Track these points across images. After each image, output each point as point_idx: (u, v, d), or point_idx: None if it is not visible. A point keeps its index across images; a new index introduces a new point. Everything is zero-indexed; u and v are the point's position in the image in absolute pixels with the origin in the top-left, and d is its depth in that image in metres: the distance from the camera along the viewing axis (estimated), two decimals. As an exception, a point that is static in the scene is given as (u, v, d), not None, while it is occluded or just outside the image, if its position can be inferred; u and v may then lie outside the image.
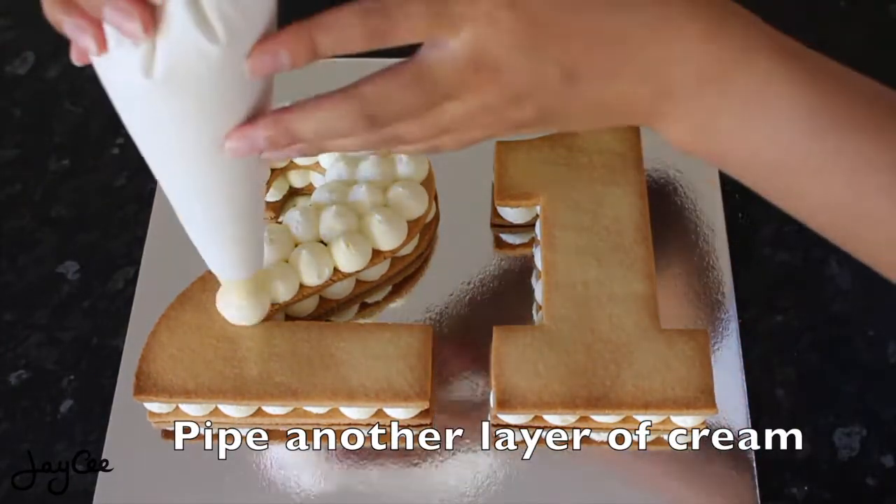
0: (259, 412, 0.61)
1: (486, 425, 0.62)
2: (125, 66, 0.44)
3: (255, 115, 0.47)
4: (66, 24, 0.43)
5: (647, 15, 0.45)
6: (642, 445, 0.61)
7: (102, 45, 0.43)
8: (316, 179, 0.69)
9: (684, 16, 0.45)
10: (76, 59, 0.46)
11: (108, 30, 0.43)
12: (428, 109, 0.45)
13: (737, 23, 0.46)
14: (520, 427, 0.61)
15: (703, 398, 0.59)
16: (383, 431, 0.61)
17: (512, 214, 0.68)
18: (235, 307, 0.60)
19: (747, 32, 0.46)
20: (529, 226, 0.68)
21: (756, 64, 0.45)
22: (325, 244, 0.64)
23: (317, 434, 0.61)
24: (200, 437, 0.62)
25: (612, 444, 0.61)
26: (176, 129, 0.47)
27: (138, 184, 0.73)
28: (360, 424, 0.61)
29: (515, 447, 0.61)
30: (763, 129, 0.46)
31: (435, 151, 0.49)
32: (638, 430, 0.61)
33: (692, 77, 0.45)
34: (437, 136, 0.47)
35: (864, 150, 0.45)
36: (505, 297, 0.66)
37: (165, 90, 0.44)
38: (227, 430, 0.62)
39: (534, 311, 0.66)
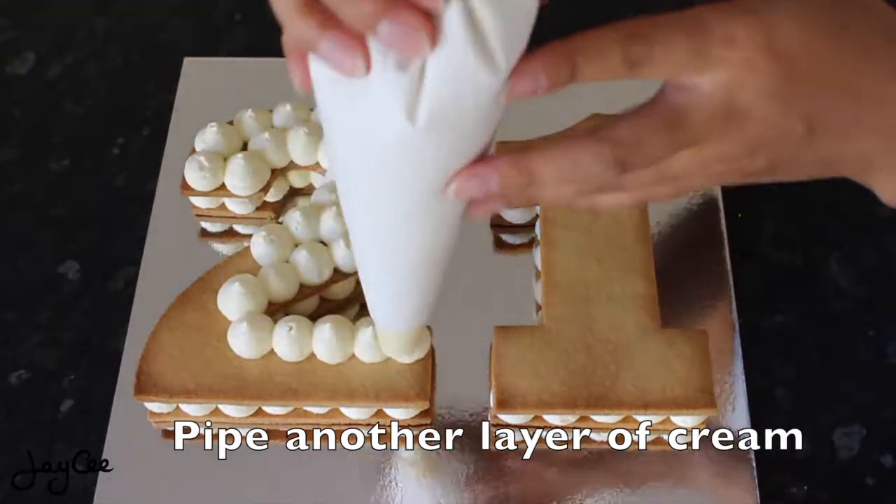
0: (259, 412, 0.61)
1: (486, 425, 0.62)
2: (383, 105, 0.38)
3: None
4: (326, 41, 0.39)
5: (891, 67, 0.44)
6: (642, 445, 0.61)
7: (369, 65, 0.38)
8: (316, 179, 0.69)
9: None
10: (301, 85, 0.41)
11: (373, 51, 0.37)
12: (669, 156, 0.43)
13: None
14: (520, 427, 0.61)
15: (703, 398, 0.59)
16: (383, 431, 0.61)
17: (512, 214, 0.68)
18: (394, 353, 0.58)
19: None
20: (529, 226, 0.68)
21: None
22: (326, 244, 0.64)
23: (317, 434, 0.62)
24: (200, 437, 0.62)
25: (612, 444, 0.61)
26: (405, 176, 0.42)
27: (138, 184, 0.73)
28: (360, 424, 0.61)
29: (515, 447, 0.61)
30: None
31: (649, 201, 0.47)
32: (638, 430, 0.60)
33: None
34: (658, 185, 0.45)
35: None
36: (505, 297, 0.66)
37: (424, 136, 0.39)
38: (227, 430, 0.62)
39: (534, 311, 0.66)
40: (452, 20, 0.37)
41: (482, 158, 0.43)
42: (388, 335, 0.56)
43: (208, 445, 0.61)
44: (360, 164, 0.42)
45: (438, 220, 0.45)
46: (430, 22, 0.37)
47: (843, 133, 0.44)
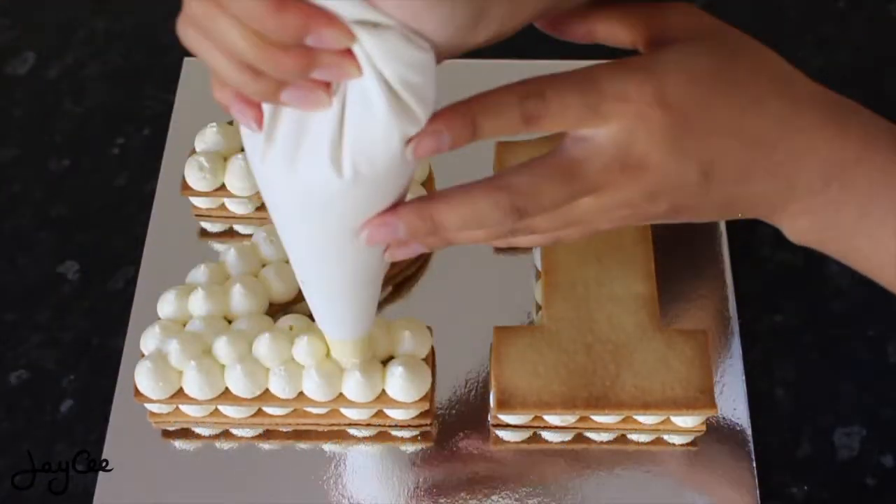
0: (259, 412, 0.61)
1: (486, 425, 0.62)
2: (313, 163, 0.43)
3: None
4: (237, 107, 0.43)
5: (779, 112, 0.46)
6: (642, 446, 0.61)
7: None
8: (316, 179, 0.69)
9: (811, 112, 0.46)
10: (258, 124, 0.44)
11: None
12: (569, 203, 0.46)
13: (857, 119, 0.47)
14: (520, 427, 0.61)
15: (703, 398, 0.59)
16: (383, 431, 0.62)
17: (512, 214, 0.68)
18: (345, 358, 0.59)
19: (867, 129, 0.47)
20: (529, 226, 0.68)
21: (876, 158, 0.46)
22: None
23: (317, 434, 0.62)
24: (200, 436, 0.62)
25: (612, 444, 0.61)
26: (329, 223, 0.46)
27: (138, 184, 0.73)
28: (360, 424, 0.61)
29: (515, 447, 0.61)
30: (885, 221, 0.47)
31: (556, 242, 0.49)
32: (638, 430, 0.61)
33: (816, 173, 0.46)
34: (564, 228, 0.47)
35: None
36: (505, 297, 0.66)
37: (351, 187, 0.43)
38: (227, 430, 0.62)
39: (534, 311, 0.66)
40: (373, 83, 0.41)
41: (391, 207, 0.46)
42: (335, 344, 0.58)
43: (208, 445, 0.61)
44: (291, 211, 0.46)
45: (363, 255, 0.48)
46: (328, 85, 0.41)
47: (738, 178, 0.46)
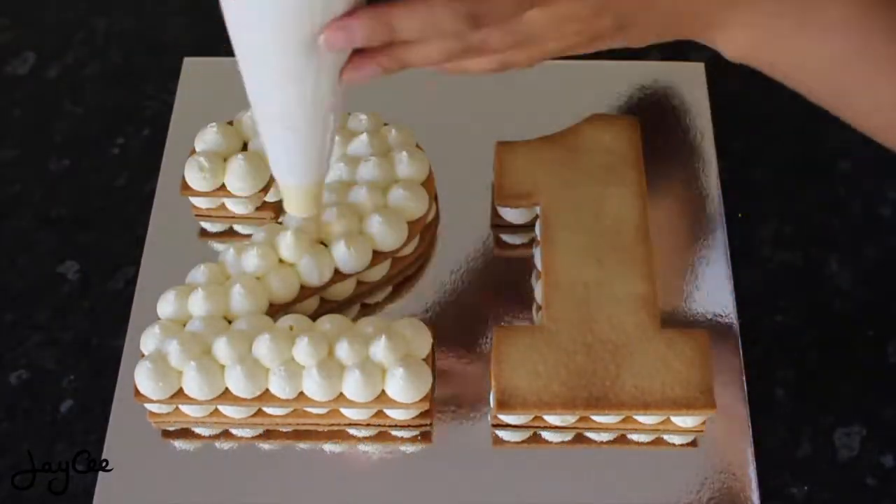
0: (259, 412, 0.61)
1: (486, 425, 0.62)
2: None
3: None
4: None
5: None
6: (642, 446, 0.61)
7: None
8: (316, 179, 0.69)
9: None
10: None
11: None
12: (519, 15, 0.47)
13: None
14: (520, 427, 0.61)
15: (703, 398, 0.59)
16: (383, 431, 0.62)
17: (512, 215, 0.68)
18: (296, 208, 0.59)
19: None
20: (529, 226, 0.68)
21: None
22: (326, 245, 0.64)
23: (317, 434, 0.62)
24: (200, 436, 0.62)
25: (612, 444, 0.61)
26: (280, 17, 0.47)
27: (138, 184, 0.73)
28: (360, 424, 0.61)
29: (515, 447, 0.61)
30: (816, 33, 0.49)
31: (506, 67, 0.50)
32: (638, 430, 0.61)
33: None
34: (515, 47, 0.49)
35: None
36: (505, 297, 0.66)
37: None
38: (227, 430, 0.62)
39: (534, 311, 0.66)
40: None
41: (350, 11, 0.47)
42: (289, 189, 0.58)
43: (208, 445, 0.61)
44: (249, 21, 0.48)
45: (316, 75, 0.49)
46: None
47: None
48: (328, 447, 0.62)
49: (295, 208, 0.59)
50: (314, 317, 0.62)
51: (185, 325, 0.61)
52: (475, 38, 0.48)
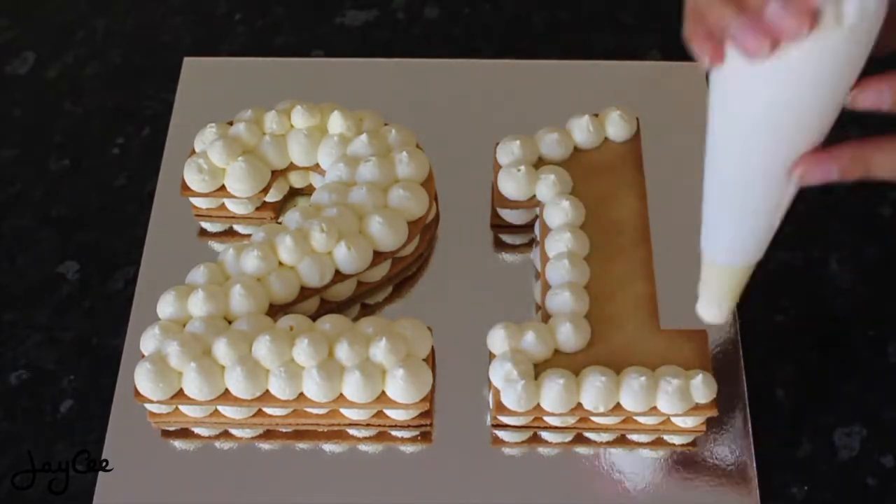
0: (259, 413, 0.61)
1: (486, 425, 0.62)
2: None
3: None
4: (739, 24, 0.42)
5: None
6: (642, 446, 0.61)
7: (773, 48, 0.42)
8: (316, 180, 0.69)
9: None
10: (712, 61, 0.45)
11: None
12: None
13: None
14: (520, 427, 0.61)
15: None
16: (383, 432, 0.62)
17: (511, 215, 0.68)
18: (709, 297, 0.56)
19: None
20: (529, 226, 0.68)
21: None
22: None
23: (317, 434, 0.62)
24: (200, 436, 0.62)
25: (612, 444, 0.61)
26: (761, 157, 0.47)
27: (138, 184, 0.73)
28: (360, 425, 0.61)
29: (515, 447, 0.61)
30: None
31: None
32: (638, 430, 0.61)
33: None
34: None
35: None
36: (505, 297, 0.66)
37: (852, 38, 0.42)
38: (226, 430, 0.62)
39: (534, 311, 0.66)
40: None
41: (824, 149, 0.46)
42: (722, 272, 0.54)
43: (208, 445, 0.61)
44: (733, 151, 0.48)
45: (785, 179, 0.48)
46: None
47: None
48: (328, 447, 0.62)
49: (717, 289, 0.55)
50: (314, 317, 0.62)
51: (184, 326, 0.61)
52: None
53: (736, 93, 0.46)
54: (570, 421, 0.60)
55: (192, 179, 0.67)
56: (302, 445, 0.62)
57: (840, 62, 0.43)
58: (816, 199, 0.72)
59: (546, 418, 0.60)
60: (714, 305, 0.56)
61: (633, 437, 0.61)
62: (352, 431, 0.62)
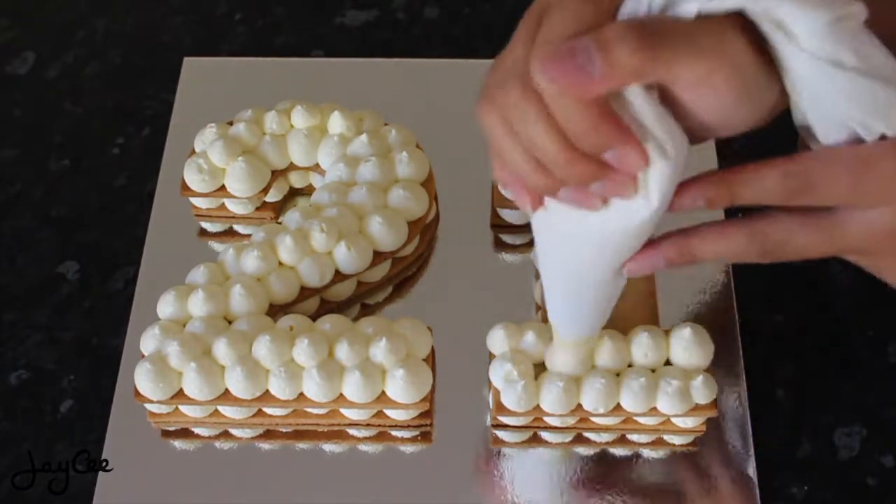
0: (259, 413, 0.61)
1: (486, 425, 0.62)
2: (628, 205, 0.44)
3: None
4: (565, 192, 0.44)
5: None
6: (642, 447, 0.61)
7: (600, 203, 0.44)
8: (316, 180, 0.69)
9: None
10: (532, 208, 0.46)
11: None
12: (824, 251, 0.46)
13: None
14: (519, 427, 0.61)
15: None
16: (383, 432, 0.62)
17: (512, 215, 0.68)
18: (561, 363, 0.58)
19: None
20: (529, 226, 0.68)
21: None
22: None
23: (317, 434, 0.62)
24: (200, 436, 0.62)
25: (612, 444, 0.61)
26: (605, 258, 0.49)
27: (138, 184, 0.73)
28: (360, 425, 0.61)
29: (515, 447, 0.61)
30: None
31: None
32: (638, 430, 0.60)
33: None
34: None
35: None
36: (505, 297, 0.66)
37: (654, 217, 0.45)
38: (226, 430, 0.62)
39: (534, 311, 0.65)
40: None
41: (650, 243, 0.47)
42: (564, 346, 0.57)
43: (208, 445, 0.61)
44: (577, 251, 0.49)
45: (615, 276, 0.50)
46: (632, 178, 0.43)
47: None
48: (328, 447, 0.62)
49: (563, 361, 0.58)
50: (314, 317, 0.62)
51: (184, 326, 0.61)
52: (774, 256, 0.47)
53: (562, 221, 0.47)
54: (571, 421, 0.60)
55: (192, 179, 0.67)
56: (302, 445, 0.62)
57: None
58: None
59: (546, 418, 0.60)
60: (567, 366, 0.58)
61: (633, 437, 0.61)
62: (352, 431, 0.62)
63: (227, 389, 0.59)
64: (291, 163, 0.68)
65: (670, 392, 0.57)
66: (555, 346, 0.58)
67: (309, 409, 0.60)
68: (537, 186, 0.44)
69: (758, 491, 0.59)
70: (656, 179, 0.43)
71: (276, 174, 0.68)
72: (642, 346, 0.58)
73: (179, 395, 0.59)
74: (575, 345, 0.57)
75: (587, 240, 0.47)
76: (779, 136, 0.76)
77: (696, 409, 0.58)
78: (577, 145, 0.41)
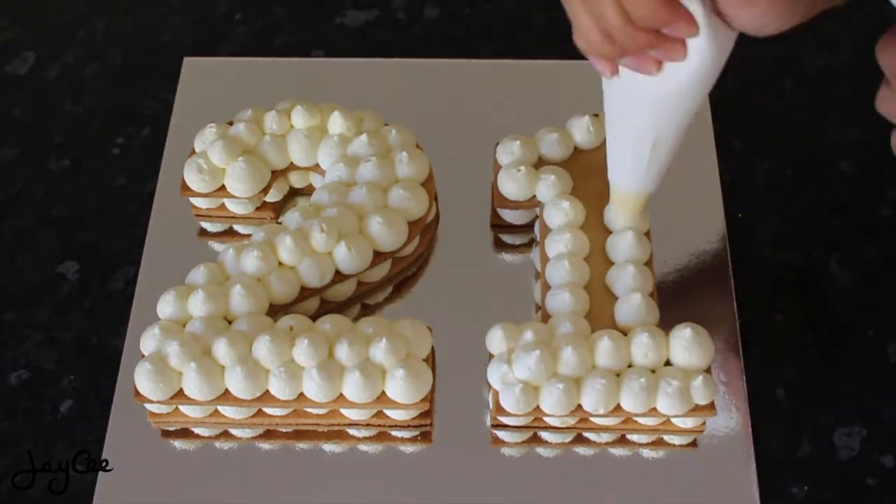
0: (259, 413, 0.61)
1: (485, 425, 0.62)
2: (678, 70, 0.52)
3: None
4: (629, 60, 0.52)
5: None
6: (642, 447, 0.61)
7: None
8: (316, 180, 0.69)
9: None
10: (612, 74, 0.54)
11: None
12: None
13: None
14: (519, 428, 0.61)
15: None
16: (383, 432, 0.62)
17: (511, 215, 0.68)
18: (619, 217, 0.63)
19: None
20: (529, 226, 0.68)
21: None
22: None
23: (317, 434, 0.62)
24: (200, 436, 0.62)
25: (612, 444, 0.61)
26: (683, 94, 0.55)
27: (138, 184, 0.73)
28: (360, 425, 0.61)
29: (515, 447, 0.61)
30: None
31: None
32: (638, 430, 0.60)
33: None
34: None
35: None
36: (505, 297, 0.66)
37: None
38: (226, 430, 0.62)
39: (533, 311, 0.65)
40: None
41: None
42: (626, 196, 0.63)
43: (208, 445, 0.61)
44: (641, 106, 0.56)
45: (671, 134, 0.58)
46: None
47: None
48: (328, 447, 0.62)
49: (627, 216, 0.63)
50: (314, 317, 0.62)
51: (184, 326, 0.61)
52: None
53: (628, 85, 0.55)
54: (571, 421, 0.60)
55: (192, 179, 0.67)
56: (302, 445, 0.62)
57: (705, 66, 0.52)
58: (816, 199, 0.72)
59: (546, 419, 0.60)
60: (621, 218, 0.64)
61: (633, 437, 0.61)
62: (352, 431, 0.62)
63: (227, 389, 0.59)
64: (291, 163, 0.68)
65: (670, 392, 0.57)
66: (614, 201, 0.63)
67: (309, 409, 0.60)
68: (607, 54, 0.51)
69: (758, 491, 0.59)
70: (702, 47, 0.50)
71: (276, 174, 0.68)
72: (642, 347, 0.58)
73: (179, 395, 0.59)
74: (634, 198, 0.62)
75: (647, 101, 0.55)
76: (781, 137, 0.76)
77: (696, 409, 0.58)
78: (637, 25, 0.49)
